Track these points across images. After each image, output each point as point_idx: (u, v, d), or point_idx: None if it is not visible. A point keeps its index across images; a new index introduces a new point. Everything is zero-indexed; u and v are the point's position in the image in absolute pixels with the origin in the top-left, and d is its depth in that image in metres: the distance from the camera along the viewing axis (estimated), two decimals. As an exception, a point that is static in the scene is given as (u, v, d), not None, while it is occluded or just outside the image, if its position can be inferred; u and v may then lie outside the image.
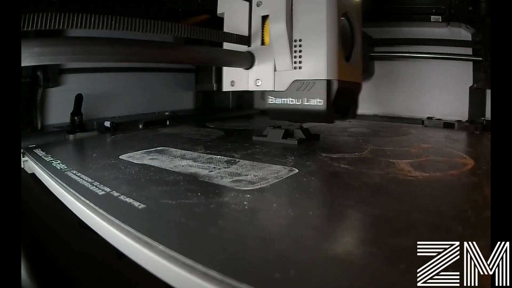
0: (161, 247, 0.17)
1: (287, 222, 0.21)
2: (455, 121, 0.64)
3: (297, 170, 0.31)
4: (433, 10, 0.65)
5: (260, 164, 0.33)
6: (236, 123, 0.70)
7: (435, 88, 0.71)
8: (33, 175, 0.38)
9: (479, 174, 0.30)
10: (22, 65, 0.25)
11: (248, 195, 0.25)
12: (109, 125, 0.60)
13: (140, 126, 0.65)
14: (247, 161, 0.35)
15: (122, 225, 0.20)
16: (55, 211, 0.29)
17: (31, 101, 0.60)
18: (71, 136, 0.53)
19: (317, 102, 0.41)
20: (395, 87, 0.75)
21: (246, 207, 0.23)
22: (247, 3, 0.46)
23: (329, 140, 0.49)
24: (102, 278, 0.22)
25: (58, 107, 0.63)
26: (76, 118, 0.56)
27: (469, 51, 0.67)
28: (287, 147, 0.43)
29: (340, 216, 0.22)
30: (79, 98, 0.57)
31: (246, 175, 0.29)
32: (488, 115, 0.64)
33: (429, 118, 0.68)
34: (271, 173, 0.30)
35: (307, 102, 0.42)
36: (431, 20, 0.66)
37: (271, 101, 0.45)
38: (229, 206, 0.23)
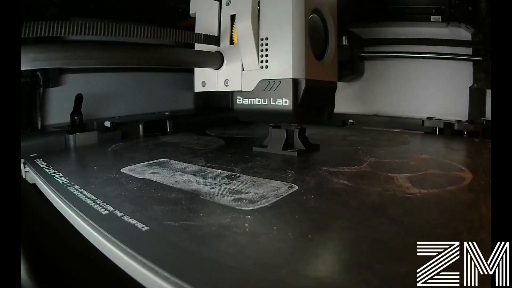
0: (166, 274, 0.18)
1: (287, 246, 0.21)
2: (455, 121, 0.65)
3: (297, 187, 0.31)
4: (433, 10, 0.64)
5: (261, 179, 0.34)
6: (236, 130, 0.70)
7: (435, 88, 0.71)
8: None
9: (476, 190, 0.30)
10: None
11: (249, 216, 0.25)
12: (109, 125, 0.60)
13: (140, 126, 0.65)
14: (248, 176, 0.35)
15: (128, 249, 0.20)
16: (55, 211, 0.29)
17: (31, 101, 0.60)
18: (71, 136, 0.54)
19: (283, 102, 0.40)
20: (395, 87, 0.75)
21: (247, 229, 0.23)
22: (217, 2, 0.45)
23: (329, 150, 0.49)
24: (102, 278, 0.23)
25: (58, 107, 0.63)
26: (76, 118, 0.56)
27: (469, 51, 0.67)
28: (287, 159, 0.43)
29: (339, 240, 0.22)
30: (79, 98, 0.57)
31: (247, 193, 0.30)
32: (488, 115, 0.65)
33: (429, 118, 0.68)
34: (271, 190, 0.30)
35: (273, 102, 0.41)
36: (431, 20, 0.65)
37: (239, 101, 0.44)
38: (231, 229, 0.23)
